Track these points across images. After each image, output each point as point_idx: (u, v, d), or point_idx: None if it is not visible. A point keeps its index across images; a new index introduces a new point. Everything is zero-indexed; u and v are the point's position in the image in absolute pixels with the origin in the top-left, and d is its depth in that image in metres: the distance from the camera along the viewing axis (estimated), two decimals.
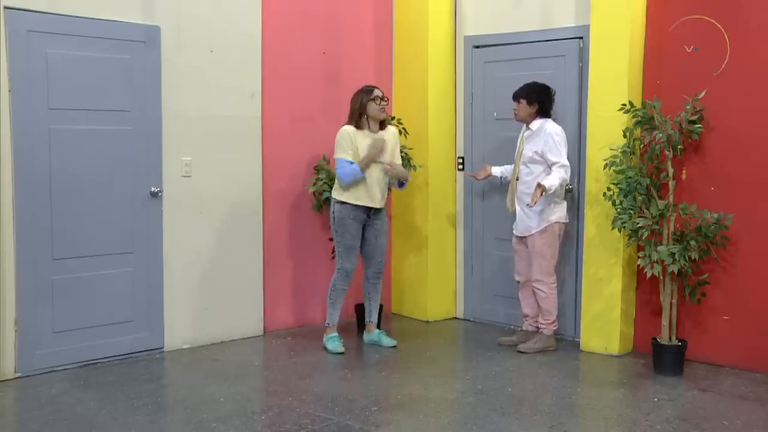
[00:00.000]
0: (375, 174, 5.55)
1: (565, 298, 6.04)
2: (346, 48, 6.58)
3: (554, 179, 5.47)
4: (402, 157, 6.21)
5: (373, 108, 5.54)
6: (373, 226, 5.71)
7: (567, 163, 5.54)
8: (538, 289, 5.71)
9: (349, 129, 5.52)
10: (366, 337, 5.95)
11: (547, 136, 5.58)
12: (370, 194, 5.58)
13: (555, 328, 5.78)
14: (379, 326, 6.26)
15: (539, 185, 5.42)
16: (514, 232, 5.86)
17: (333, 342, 5.70)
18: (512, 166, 5.87)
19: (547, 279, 5.70)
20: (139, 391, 4.75)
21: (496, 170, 6.05)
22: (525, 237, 5.77)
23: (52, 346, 5.10)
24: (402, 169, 5.71)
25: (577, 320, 5.97)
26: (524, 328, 5.96)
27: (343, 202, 5.55)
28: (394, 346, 5.82)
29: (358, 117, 5.55)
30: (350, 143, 5.48)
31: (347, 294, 6.53)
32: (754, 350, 5.23)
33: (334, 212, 5.59)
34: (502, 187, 6.18)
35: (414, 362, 5.54)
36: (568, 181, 5.63)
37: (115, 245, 5.36)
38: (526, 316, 5.95)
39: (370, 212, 5.65)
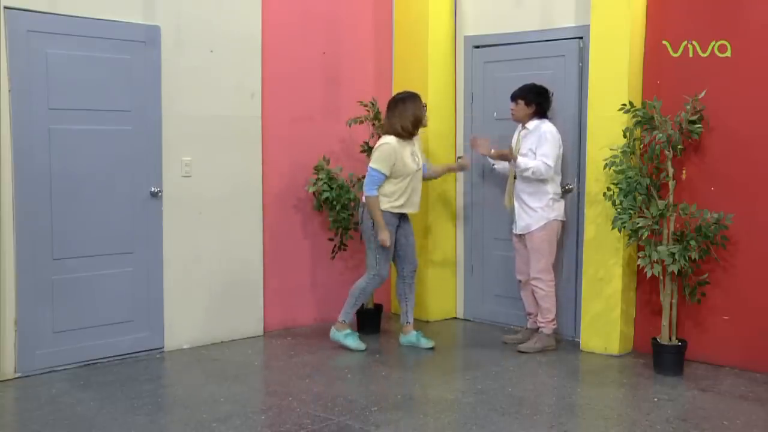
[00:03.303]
0: (415, 182, 5.61)
1: (565, 298, 6.04)
2: (346, 48, 6.58)
3: (530, 163, 5.56)
4: None
5: (425, 117, 5.62)
6: (403, 228, 5.74)
7: (550, 163, 5.57)
8: (537, 287, 5.71)
9: (393, 142, 5.52)
10: (403, 339, 5.88)
11: (541, 134, 5.62)
12: (413, 202, 5.65)
13: (554, 326, 5.78)
14: (379, 327, 6.27)
15: (512, 153, 5.62)
16: (514, 231, 5.87)
17: (354, 340, 5.70)
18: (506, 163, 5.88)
19: (545, 277, 5.70)
20: (139, 391, 4.75)
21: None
22: (524, 235, 5.78)
23: (52, 346, 5.10)
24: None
25: (577, 320, 5.97)
26: (528, 326, 5.97)
27: (384, 210, 5.55)
28: (432, 348, 5.77)
29: (418, 126, 5.58)
30: (393, 160, 5.48)
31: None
32: (754, 350, 5.23)
33: (373, 219, 5.57)
34: (501, 181, 6.18)
35: (414, 362, 5.54)
36: (545, 177, 5.59)
37: (115, 245, 5.36)
38: (529, 314, 5.96)
39: (401, 217, 5.69)
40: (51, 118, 5.03)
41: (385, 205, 5.56)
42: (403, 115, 5.55)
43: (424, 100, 5.70)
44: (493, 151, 5.79)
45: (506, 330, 6.31)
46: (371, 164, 5.53)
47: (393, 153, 5.49)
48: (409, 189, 5.59)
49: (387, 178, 5.52)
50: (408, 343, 5.84)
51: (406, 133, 5.56)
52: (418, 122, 5.59)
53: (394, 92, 6.76)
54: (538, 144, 5.61)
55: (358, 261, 6.49)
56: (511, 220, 5.92)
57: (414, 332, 5.85)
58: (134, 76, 5.38)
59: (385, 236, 5.51)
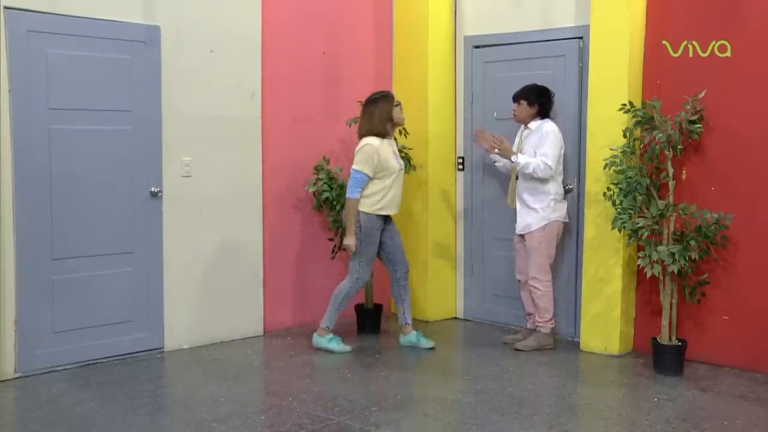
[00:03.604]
0: (398, 183, 5.62)
1: (565, 298, 6.05)
2: (346, 48, 6.58)
3: (529, 160, 5.56)
4: (402, 157, 6.23)
5: (397, 114, 5.61)
6: (387, 230, 5.72)
7: (550, 163, 5.57)
8: (534, 287, 5.72)
9: (376, 143, 5.49)
10: (403, 339, 5.86)
11: (543, 133, 5.64)
12: (396, 203, 5.66)
13: (552, 326, 5.79)
14: (379, 327, 6.27)
15: (509, 148, 5.64)
16: (516, 231, 5.88)
17: (338, 343, 5.67)
18: (506, 161, 5.88)
19: (543, 277, 5.71)
20: (139, 391, 4.75)
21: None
22: (525, 235, 5.78)
23: (52, 346, 5.10)
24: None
25: (577, 320, 5.97)
26: (528, 326, 5.97)
27: (369, 213, 5.53)
28: (432, 348, 5.76)
29: (388, 126, 5.57)
30: (376, 159, 5.46)
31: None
32: (754, 350, 5.23)
33: (359, 223, 5.53)
34: (502, 181, 6.19)
35: (414, 362, 5.54)
36: (544, 176, 5.60)
37: (115, 245, 5.36)
38: (529, 314, 5.96)
39: (385, 219, 5.69)
40: (51, 118, 5.03)
41: (370, 207, 5.53)
42: (377, 114, 5.53)
43: (397, 99, 5.69)
44: (497, 150, 5.78)
45: (506, 330, 6.31)
46: (354, 166, 5.50)
47: (375, 153, 5.47)
48: (393, 189, 5.58)
49: (370, 179, 5.50)
50: (408, 344, 5.83)
51: (382, 133, 5.54)
52: (386, 121, 5.55)
53: (394, 92, 6.79)
54: (539, 143, 5.62)
55: None
56: (515, 220, 5.92)
57: (414, 332, 5.84)
58: (134, 76, 5.38)
59: (351, 241, 5.51)
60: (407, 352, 5.75)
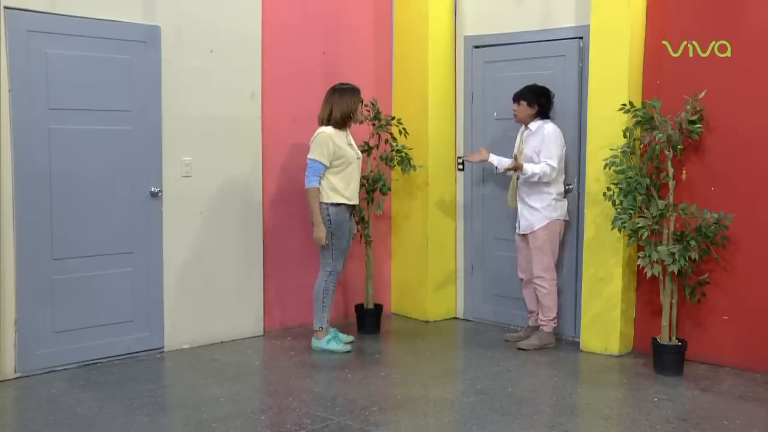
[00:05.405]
0: (357, 173, 5.60)
1: (565, 298, 6.05)
2: (346, 48, 6.58)
3: (535, 168, 5.59)
4: (402, 156, 6.24)
5: (360, 111, 5.63)
6: (351, 221, 5.73)
7: (555, 165, 5.60)
8: (539, 285, 5.73)
9: (329, 131, 5.48)
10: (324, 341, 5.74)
11: (544, 135, 5.64)
12: (356, 190, 5.63)
13: (555, 325, 5.80)
14: (379, 327, 6.27)
15: (517, 162, 5.65)
16: (517, 230, 5.88)
17: (337, 342, 5.67)
18: (510, 160, 5.87)
19: (548, 275, 5.72)
20: (139, 391, 4.75)
21: (494, 158, 5.99)
22: (527, 235, 5.79)
23: (52, 346, 5.10)
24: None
25: (577, 320, 5.97)
26: (530, 324, 5.98)
27: (338, 204, 5.51)
28: (348, 351, 5.69)
29: (347, 119, 5.56)
30: (331, 147, 5.43)
31: (347, 294, 6.56)
32: (754, 350, 5.23)
33: (329, 216, 5.49)
34: (504, 181, 6.19)
35: (414, 362, 5.54)
36: (549, 180, 5.64)
37: (115, 245, 5.36)
38: (531, 312, 5.97)
39: (352, 211, 5.70)
40: (51, 118, 5.03)
41: (340, 198, 5.49)
42: (343, 106, 5.51)
43: (362, 97, 5.68)
44: (501, 169, 5.86)
45: (506, 329, 6.31)
46: (309, 155, 5.46)
47: (329, 140, 5.43)
48: (354, 178, 5.57)
49: (327, 168, 5.45)
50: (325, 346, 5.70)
51: (339, 126, 5.52)
52: (346, 116, 5.53)
53: (394, 92, 6.81)
54: (542, 146, 5.62)
55: (357, 260, 6.49)
56: (515, 219, 5.94)
57: (332, 329, 5.76)
58: (134, 76, 5.38)
59: (322, 233, 5.45)
60: (408, 353, 5.75)
